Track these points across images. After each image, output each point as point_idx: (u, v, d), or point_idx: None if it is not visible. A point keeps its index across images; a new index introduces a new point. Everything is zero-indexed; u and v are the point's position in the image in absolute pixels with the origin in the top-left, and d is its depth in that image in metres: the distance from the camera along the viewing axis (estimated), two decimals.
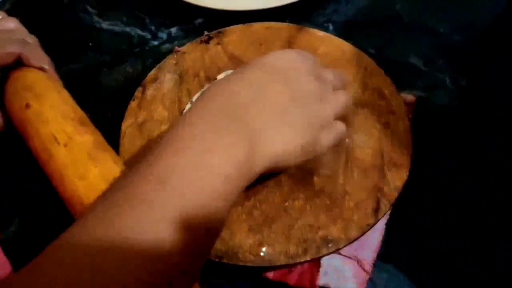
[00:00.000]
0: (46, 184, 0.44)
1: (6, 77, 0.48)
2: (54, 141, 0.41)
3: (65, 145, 0.41)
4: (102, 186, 0.39)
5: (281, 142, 0.37)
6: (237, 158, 0.33)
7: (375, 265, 0.43)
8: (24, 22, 0.64)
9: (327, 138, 0.41)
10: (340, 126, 0.43)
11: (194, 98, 0.51)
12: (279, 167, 0.38)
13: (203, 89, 0.52)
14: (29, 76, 0.47)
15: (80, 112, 0.45)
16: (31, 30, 0.60)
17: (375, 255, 0.43)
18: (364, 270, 0.42)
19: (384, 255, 0.43)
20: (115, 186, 0.33)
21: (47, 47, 0.61)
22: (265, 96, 0.37)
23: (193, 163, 0.32)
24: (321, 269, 0.42)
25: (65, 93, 0.47)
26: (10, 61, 0.47)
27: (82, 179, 0.39)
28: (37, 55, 0.48)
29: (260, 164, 0.36)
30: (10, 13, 0.65)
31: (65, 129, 0.42)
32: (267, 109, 0.37)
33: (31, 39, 0.50)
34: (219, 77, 0.52)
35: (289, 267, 0.42)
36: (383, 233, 0.44)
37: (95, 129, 0.44)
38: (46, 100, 0.44)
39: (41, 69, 0.48)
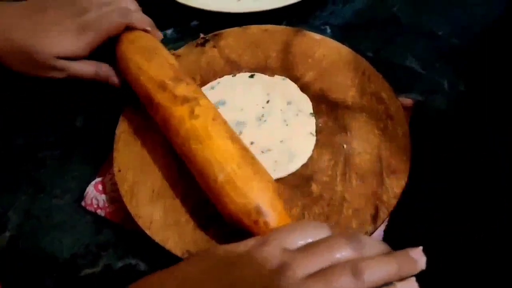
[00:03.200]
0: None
1: (116, 40, 0.51)
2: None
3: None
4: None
5: None
6: None
7: None
8: None
9: None
10: None
11: None
12: None
13: None
14: (137, 39, 0.50)
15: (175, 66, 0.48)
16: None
17: None
18: None
19: None
20: None
21: None
22: None
23: None
24: None
25: (165, 52, 0.50)
26: (119, 31, 0.50)
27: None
28: (141, 20, 0.51)
29: None
30: None
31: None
32: None
33: (133, 5, 0.53)
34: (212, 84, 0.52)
35: None
36: (381, 240, 0.44)
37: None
38: (154, 61, 0.47)
39: (145, 31, 0.51)
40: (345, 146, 0.47)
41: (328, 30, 0.60)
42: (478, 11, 0.60)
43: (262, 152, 0.47)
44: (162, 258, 0.41)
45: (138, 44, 0.49)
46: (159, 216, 0.44)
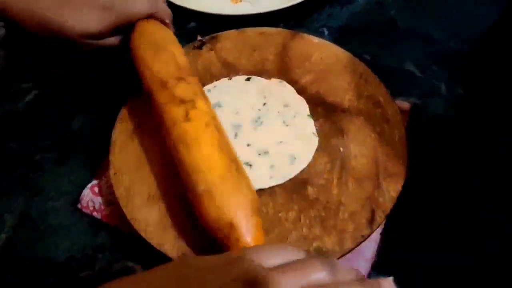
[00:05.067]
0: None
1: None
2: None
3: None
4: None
5: None
6: None
7: (369, 276, 0.42)
8: (17, 26, 0.64)
9: None
10: None
11: None
12: None
13: None
14: (151, 32, 0.49)
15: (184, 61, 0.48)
16: (24, 35, 0.59)
17: (369, 265, 0.43)
18: None
19: (379, 266, 0.43)
20: None
21: (37, 50, 0.61)
22: None
23: None
24: None
25: (176, 48, 0.49)
26: (141, 18, 0.50)
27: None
28: (164, 11, 0.51)
29: None
30: None
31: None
32: None
33: None
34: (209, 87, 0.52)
35: None
36: (377, 243, 0.44)
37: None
38: (161, 57, 0.47)
39: (163, 23, 0.51)
40: (341, 149, 0.47)
41: (326, 33, 0.60)
42: (475, 14, 0.60)
43: (259, 154, 0.47)
44: (158, 261, 0.41)
45: (150, 37, 0.49)
46: (155, 219, 0.44)
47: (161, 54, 0.47)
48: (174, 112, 0.43)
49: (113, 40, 0.50)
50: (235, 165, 0.41)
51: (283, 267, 0.30)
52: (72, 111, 0.55)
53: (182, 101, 0.44)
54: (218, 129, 0.44)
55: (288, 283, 0.29)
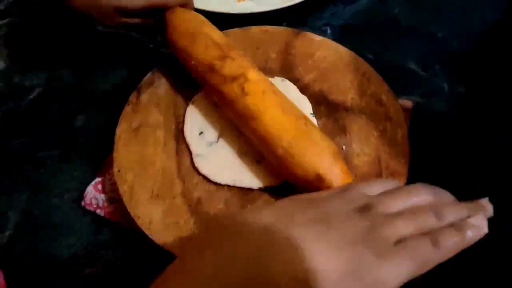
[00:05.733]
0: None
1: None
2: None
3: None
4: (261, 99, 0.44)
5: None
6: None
7: None
8: (19, 24, 0.64)
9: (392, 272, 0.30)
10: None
11: (191, 101, 0.51)
12: None
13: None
14: (181, 23, 0.50)
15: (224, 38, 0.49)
16: (27, 33, 0.60)
17: None
18: None
19: None
20: None
21: (41, 49, 0.61)
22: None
23: None
24: None
25: (209, 28, 0.50)
26: (175, 4, 0.51)
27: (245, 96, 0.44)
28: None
29: None
30: (5, 14, 0.64)
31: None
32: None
33: None
34: None
35: None
36: None
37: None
38: (198, 43, 0.48)
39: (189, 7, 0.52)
40: (344, 147, 0.47)
41: (329, 32, 0.60)
42: (477, 14, 0.60)
43: None
44: (161, 258, 0.41)
45: (184, 27, 0.49)
46: (158, 216, 0.44)
47: (199, 40, 0.48)
48: (230, 91, 0.45)
49: (138, 21, 0.51)
50: (302, 120, 0.43)
51: (389, 192, 0.34)
52: (75, 108, 0.56)
53: (234, 78, 0.45)
54: (275, 92, 0.45)
55: (396, 205, 0.32)
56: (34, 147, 0.53)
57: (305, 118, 0.44)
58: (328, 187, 0.40)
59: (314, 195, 0.35)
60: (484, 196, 0.46)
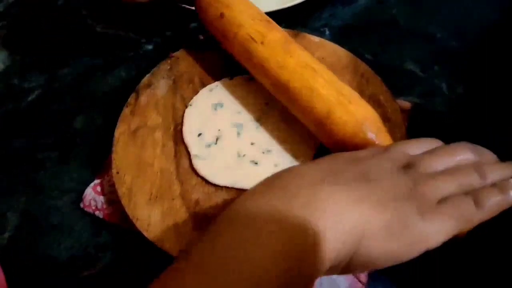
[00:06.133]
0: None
1: None
2: (251, 40, 0.47)
3: (262, 43, 0.47)
4: (300, 71, 0.45)
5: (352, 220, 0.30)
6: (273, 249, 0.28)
7: (370, 276, 0.42)
8: (18, 24, 0.64)
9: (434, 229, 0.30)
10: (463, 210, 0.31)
11: (190, 103, 0.51)
12: (360, 261, 0.30)
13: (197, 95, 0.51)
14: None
15: (263, 13, 0.51)
16: (26, 34, 0.60)
17: None
18: (360, 281, 0.42)
19: None
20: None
21: (39, 50, 0.61)
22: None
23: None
24: (316, 280, 0.41)
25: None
26: None
27: (282, 68, 0.45)
28: None
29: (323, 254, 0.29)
30: (3, 15, 0.64)
31: (258, 29, 0.48)
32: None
33: None
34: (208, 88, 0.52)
35: None
36: None
37: (279, 26, 0.50)
38: (235, 7, 0.49)
39: None
40: None
41: (327, 33, 0.60)
42: (476, 13, 0.60)
43: (263, 153, 0.47)
44: (160, 260, 0.41)
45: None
46: (157, 218, 0.44)
47: (242, 8, 0.49)
48: (273, 62, 0.46)
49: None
50: (342, 92, 0.44)
51: (432, 151, 0.34)
52: (74, 110, 0.56)
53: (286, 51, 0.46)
54: (314, 68, 0.45)
55: (438, 163, 0.33)
56: (33, 148, 0.53)
57: (344, 91, 0.44)
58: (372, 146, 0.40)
59: (356, 153, 0.35)
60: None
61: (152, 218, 0.44)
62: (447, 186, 0.31)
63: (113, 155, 0.48)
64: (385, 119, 0.48)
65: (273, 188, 0.32)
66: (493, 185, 0.32)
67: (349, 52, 0.53)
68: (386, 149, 0.35)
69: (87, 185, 0.49)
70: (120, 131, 0.49)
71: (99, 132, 0.53)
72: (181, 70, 0.54)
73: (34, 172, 0.52)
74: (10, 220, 0.49)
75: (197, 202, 0.45)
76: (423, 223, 0.30)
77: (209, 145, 0.48)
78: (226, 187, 0.46)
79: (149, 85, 0.52)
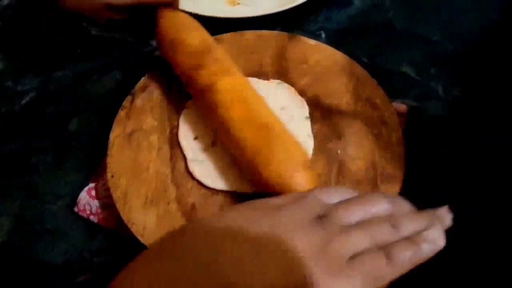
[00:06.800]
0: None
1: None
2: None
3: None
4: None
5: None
6: None
7: None
8: (12, 27, 0.64)
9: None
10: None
11: (186, 106, 0.51)
12: None
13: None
14: (171, 19, 0.51)
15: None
16: (21, 37, 0.60)
17: None
18: None
19: None
20: None
21: (34, 52, 0.61)
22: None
23: None
24: None
25: (186, 34, 0.50)
26: (163, 3, 0.51)
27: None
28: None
29: None
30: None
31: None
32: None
33: None
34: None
35: None
36: None
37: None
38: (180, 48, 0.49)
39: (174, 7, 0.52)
40: (339, 152, 0.47)
41: (323, 36, 0.60)
42: (472, 16, 0.60)
43: None
44: None
45: (165, 33, 0.50)
46: (152, 222, 0.44)
47: (178, 48, 0.49)
48: (203, 101, 0.46)
49: (126, 16, 0.52)
50: (266, 130, 0.42)
51: (347, 202, 0.33)
52: (69, 113, 0.55)
53: (204, 90, 0.45)
54: (246, 99, 0.44)
55: (352, 215, 0.32)
56: (28, 152, 0.53)
57: (273, 124, 0.43)
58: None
59: (271, 201, 0.34)
60: (485, 198, 0.46)
61: (147, 222, 0.44)
62: (360, 241, 0.31)
63: (108, 159, 0.47)
64: (382, 122, 0.48)
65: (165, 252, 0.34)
66: (407, 238, 0.31)
67: (345, 55, 0.53)
68: (302, 196, 0.34)
69: (81, 189, 0.49)
70: (115, 134, 0.49)
71: (94, 135, 0.53)
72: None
73: (28, 176, 0.51)
74: (4, 225, 0.48)
75: (193, 205, 0.45)
76: (332, 281, 0.29)
77: (205, 149, 0.48)
78: (222, 191, 0.45)
79: (144, 88, 0.52)
